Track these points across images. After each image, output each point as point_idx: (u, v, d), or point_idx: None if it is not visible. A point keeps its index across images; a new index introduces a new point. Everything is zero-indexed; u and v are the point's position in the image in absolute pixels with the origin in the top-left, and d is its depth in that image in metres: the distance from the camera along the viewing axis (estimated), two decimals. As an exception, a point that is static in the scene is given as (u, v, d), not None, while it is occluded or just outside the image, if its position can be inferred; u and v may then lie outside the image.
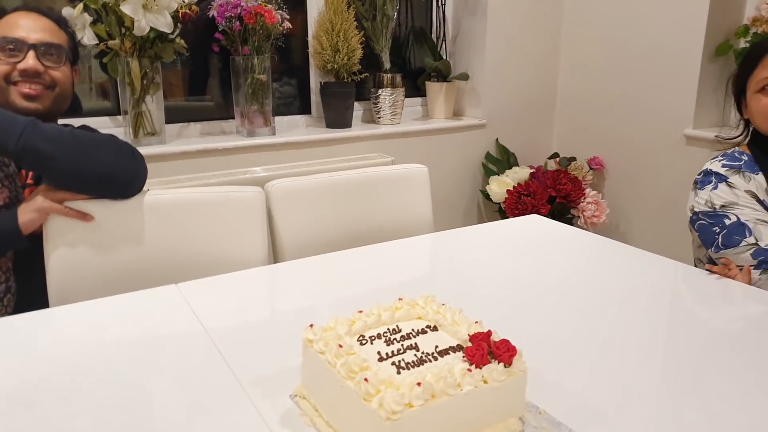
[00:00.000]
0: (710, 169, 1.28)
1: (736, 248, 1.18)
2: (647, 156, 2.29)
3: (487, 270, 1.17)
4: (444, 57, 2.45)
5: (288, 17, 1.98)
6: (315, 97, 2.25)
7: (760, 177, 1.24)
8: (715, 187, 1.25)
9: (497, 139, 2.48)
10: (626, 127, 2.34)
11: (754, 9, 2.00)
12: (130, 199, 1.15)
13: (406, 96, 2.36)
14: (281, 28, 1.96)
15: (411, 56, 2.51)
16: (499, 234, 1.38)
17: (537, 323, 0.92)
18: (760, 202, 1.22)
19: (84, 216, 1.11)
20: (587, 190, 2.29)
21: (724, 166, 1.27)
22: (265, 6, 1.92)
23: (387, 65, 2.27)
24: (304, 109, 2.28)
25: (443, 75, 2.39)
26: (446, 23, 2.47)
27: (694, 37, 2.05)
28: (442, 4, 2.42)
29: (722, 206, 1.23)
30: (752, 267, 1.16)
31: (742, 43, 2.03)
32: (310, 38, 2.18)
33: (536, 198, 2.17)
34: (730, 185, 1.24)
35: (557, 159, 2.47)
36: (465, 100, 2.50)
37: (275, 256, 1.32)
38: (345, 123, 2.19)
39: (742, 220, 1.20)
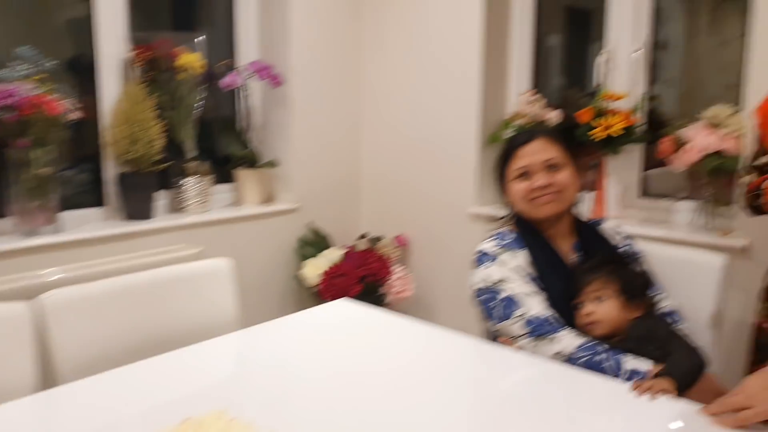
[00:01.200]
0: (483, 250, 1.45)
1: (510, 320, 1.34)
2: (441, 232, 2.55)
3: (293, 364, 1.17)
4: (252, 145, 2.49)
5: (80, 105, 1.86)
6: (112, 188, 2.10)
7: (525, 253, 1.43)
8: (488, 266, 1.42)
9: (310, 222, 2.55)
10: (423, 207, 2.59)
11: (514, 105, 2.41)
12: None
13: (218, 182, 2.34)
14: (69, 118, 1.83)
15: (220, 143, 2.51)
16: (306, 324, 1.40)
17: (342, 414, 0.93)
18: (527, 275, 1.40)
19: None
20: (394, 267, 2.44)
21: (495, 245, 1.45)
22: (49, 95, 1.78)
23: (191, 154, 2.23)
24: (100, 201, 2.11)
25: (251, 162, 2.42)
26: (253, 113, 2.53)
27: (470, 129, 2.41)
28: (245, 96, 2.48)
29: (495, 282, 1.39)
30: (524, 335, 1.31)
31: (508, 133, 2.42)
32: (104, 127, 2.06)
33: (348, 278, 2.25)
34: (500, 263, 1.41)
35: (366, 238, 2.61)
36: (277, 186, 2.55)
37: (53, 380, 1.16)
38: (146, 214, 2.07)
39: (512, 294, 1.36)
